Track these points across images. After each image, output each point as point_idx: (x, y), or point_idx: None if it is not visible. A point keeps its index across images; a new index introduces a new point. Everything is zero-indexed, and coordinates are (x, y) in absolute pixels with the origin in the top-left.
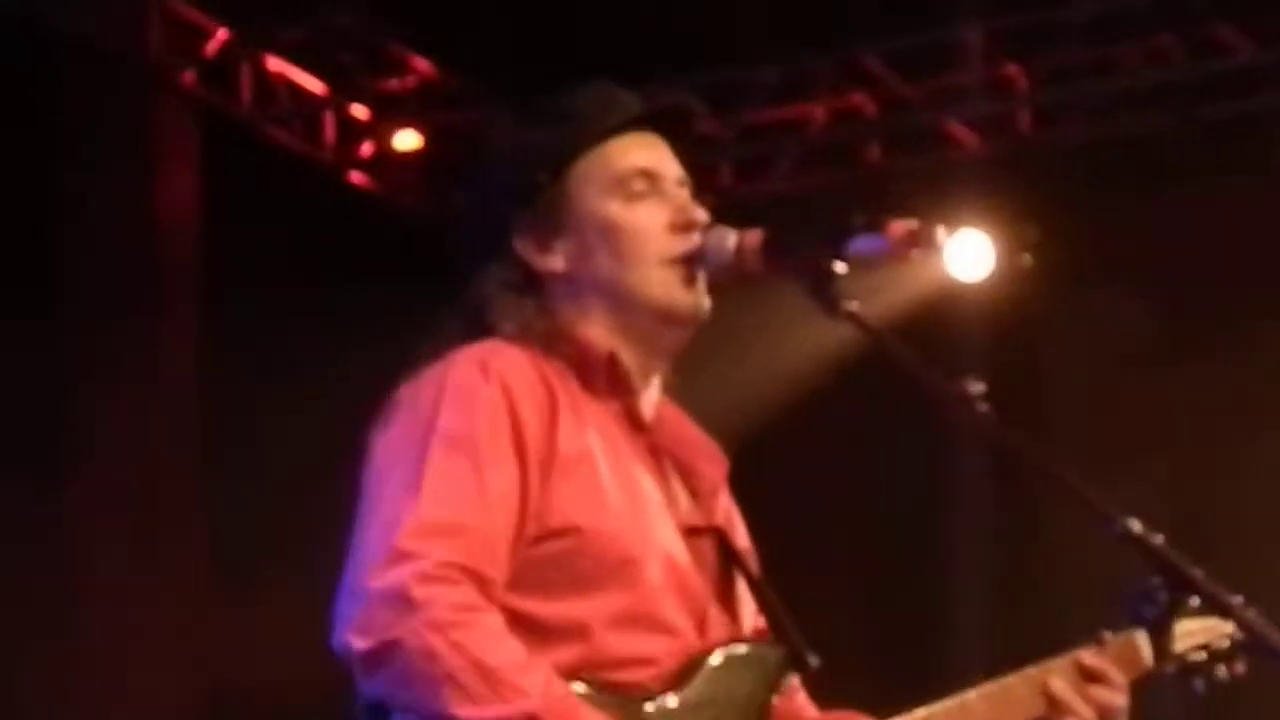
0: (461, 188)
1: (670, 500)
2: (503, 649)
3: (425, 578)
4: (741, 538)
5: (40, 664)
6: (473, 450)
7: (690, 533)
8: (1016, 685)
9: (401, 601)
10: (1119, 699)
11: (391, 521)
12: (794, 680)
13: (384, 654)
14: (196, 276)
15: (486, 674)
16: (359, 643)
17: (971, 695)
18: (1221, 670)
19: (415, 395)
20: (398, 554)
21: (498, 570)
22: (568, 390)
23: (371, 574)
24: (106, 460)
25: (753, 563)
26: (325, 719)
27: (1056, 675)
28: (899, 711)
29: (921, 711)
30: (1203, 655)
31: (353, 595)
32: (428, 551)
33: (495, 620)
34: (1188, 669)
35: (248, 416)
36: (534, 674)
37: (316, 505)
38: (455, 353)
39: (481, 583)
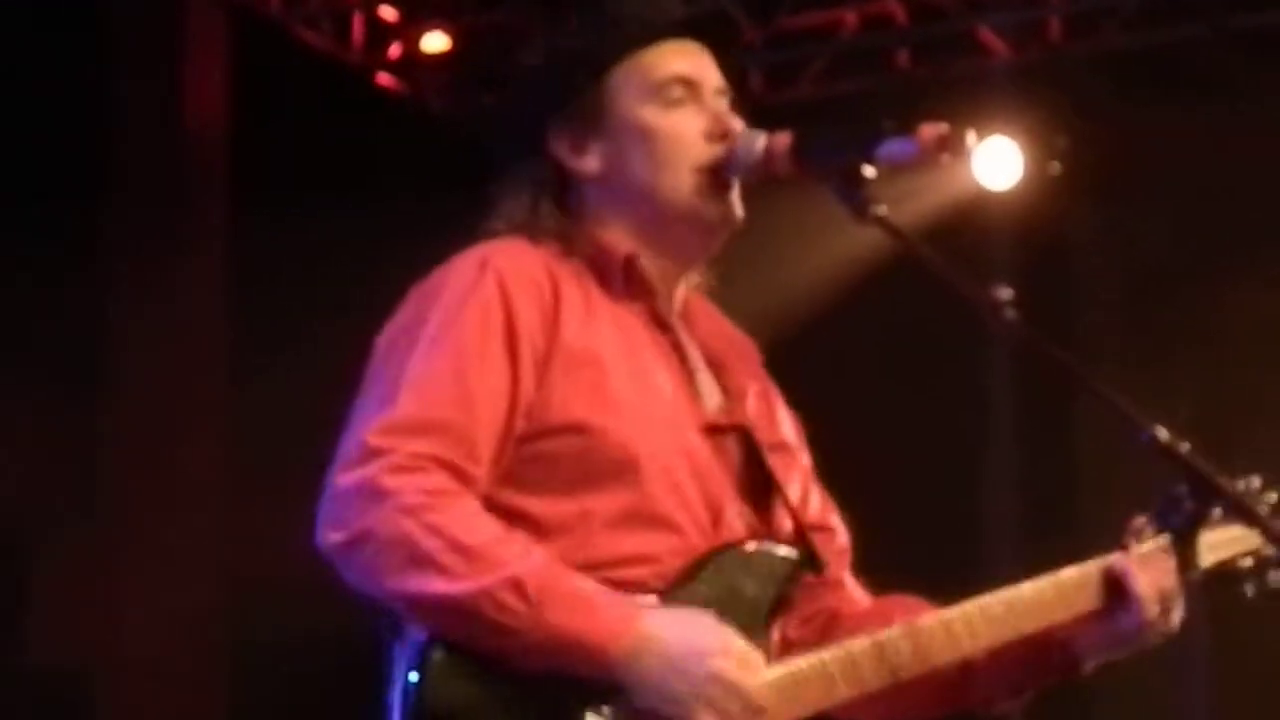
0: (496, 89)
1: (694, 398)
2: (478, 526)
3: (396, 468)
4: (781, 429)
5: (67, 570)
6: (458, 348)
7: (713, 430)
8: (1043, 589)
9: (371, 491)
10: (1171, 580)
11: (367, 420)
12: (840, 575)
13: (359, 543)
14: (225, 178)
15: (463, 550)
16: (334, 536)
17: (997, 598)
18: (1275, 575)
19: (415, 296)
20: (369, 450)
21: (477, 465)
22: (581, 289)
23: (345, 471)
24: (136, 367)
25: (791, 459)
26: (343, 625)
27: (1116, 558)
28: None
29: (949, 612)
30: (1249, 561)
31: (327, 493)
32: (399, 446)
33: (469, 502)
34: (1235, 574)
35: (275, 322)
36: (512, 544)
37: (340, 413)
38: (462, 251)
39: (457, 474)
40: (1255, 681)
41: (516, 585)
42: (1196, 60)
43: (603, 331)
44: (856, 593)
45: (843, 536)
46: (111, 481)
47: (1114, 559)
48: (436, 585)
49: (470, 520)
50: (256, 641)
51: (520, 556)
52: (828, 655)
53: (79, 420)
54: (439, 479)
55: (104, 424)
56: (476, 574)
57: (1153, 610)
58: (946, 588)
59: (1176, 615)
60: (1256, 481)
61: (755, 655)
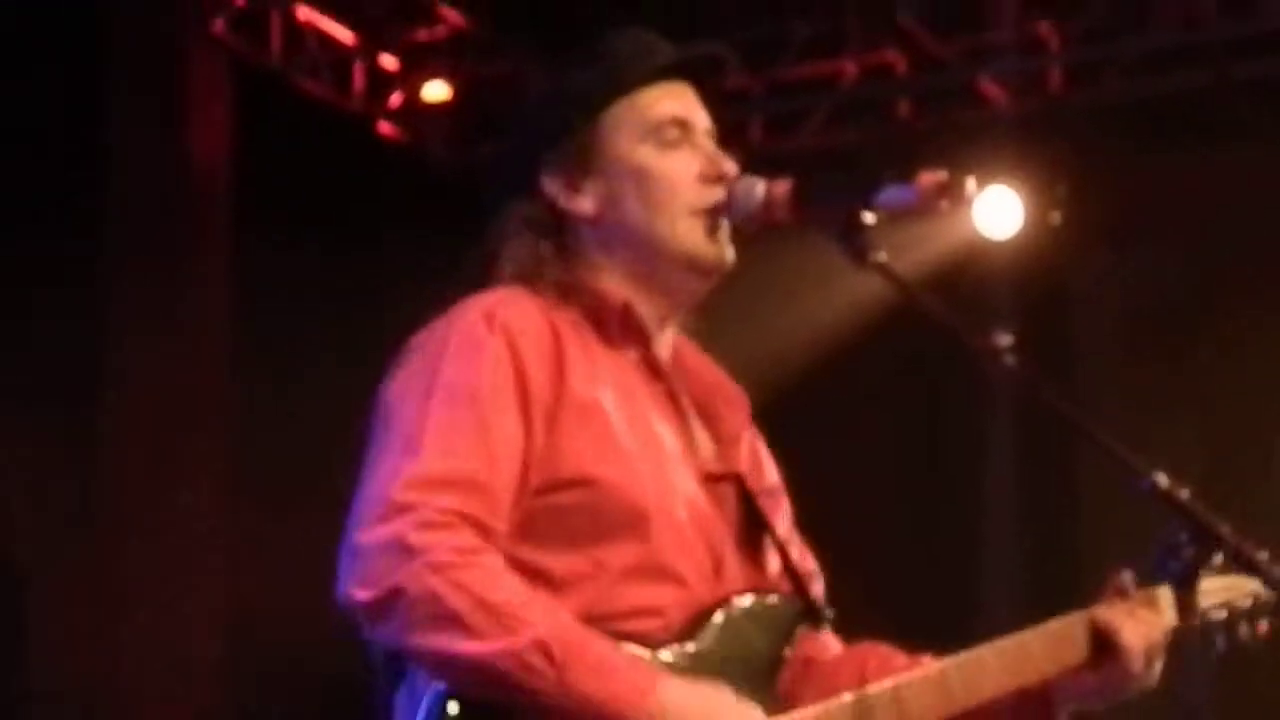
0: (493, 136)
1: (689, 447)
2: (505, 585)
3: (424, 525)
4: (769, 476)
5: (67, 588)
6: (474, 402)
7: (710, 479)
8: (1036, 640)
9: (400, 549)
10: (1157, 633)
11: (391, 475)
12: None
13: (387, 602)
14: (228, 225)
15: (490, 609)
16: (362, 594)
17: (990, 650)
18: (1244, 629)
19: (421, 346)
20: (396, 506)
21: (499, 520)
22: (580, 339)
23: (371, 527)
24: (137, 398)
25: (777, 505)
26: (343, 646)
27: (1103, 610)
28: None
29: (941, 665)
30: (1223, 613)
31: (352, 548)
32: (426, 502)
33: (496, 560)
34: (1209, 627)
35: (275, 363)
36: (537, 605)
37: (339, 452)
38: (463, 302)
39: (482, 530)
40: None
41: (542, 647)
42: (1197, 108)
43: (603, 382)
44: (829, 639)
45: (820, 584)
46: (111, 505)
47: (1100, 610)
48: (463, 645)
49: (497, 579)
50: (256, 665)
51: (545, 617)
52: (830, 707)
53: (79, 447)
54: (466, 537)
55: (104, 454)
56: (503, 634)
57: (1138, 664)
58: (944, 634)
59: (1158, 669)
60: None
61: None
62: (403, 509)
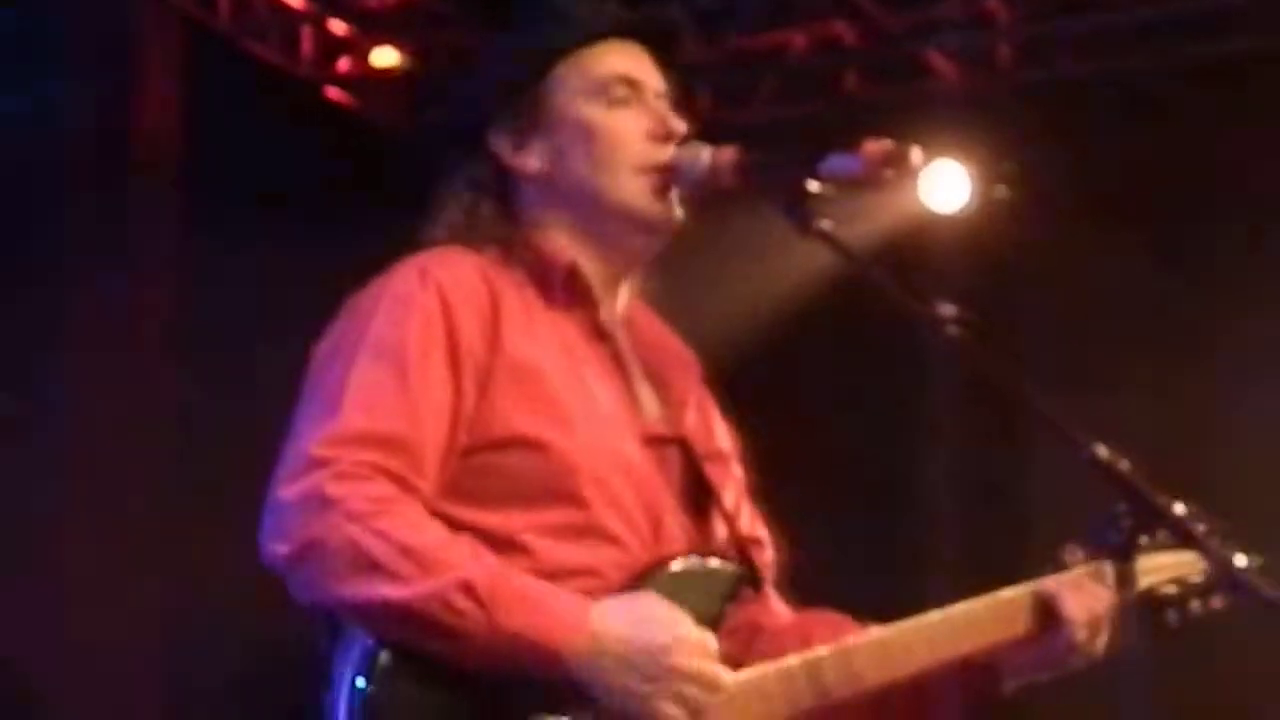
0: (442, 103)
1: (632, 408)
2: (425, 530)
3: (340, 476)
4: (717, 440)
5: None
6: (400, 360)
7: (653, 441)
8: (980, 610)
9: (318, 501)
10: (1101, 605)
11: (311, 432)
12: (766, 587)
13: (307, 553)
14: (176, 188)
15: (411, 553)
16: (282, 548)
17: (932, 619)
18: (1196, 604)
19: (354, 305)
20: (313, 461)
21: (421, 478)
22: (521, 298)
23: (289, 483)
24: (75, 388)
25: (726, 469)
26: (290, 639)
27: (1048, 582)
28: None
29: (883, 632)
30: (1173, 589)
31: (272, 504)
32: (343, 456)
33: (415, 507)
34: (1159, 601)
35: (224, 331)
36: (460, 546)
37: (285, 432)
38: (400, 261)
39: (402, 484)
40: (1197, 707)
41: (467, 587)
42: (1145, 88)
43: (542, 342)
44: (778, 606)
45: (770, 550)
46: (50, 504)
47: (1045, 582)
48: (386, 590)
49: (417, 525)
50: (195, 644)
51: (469, 559)
52: (768, 671)
53: (23, 430)
54: (384, 487)
55: (43, 438)
56: (426, 577)
57: (1082, 634)
58: (887, 603)
59: (1103, 640)
60: (1181, 507)
61: (708, 637)
62: (320, 463)
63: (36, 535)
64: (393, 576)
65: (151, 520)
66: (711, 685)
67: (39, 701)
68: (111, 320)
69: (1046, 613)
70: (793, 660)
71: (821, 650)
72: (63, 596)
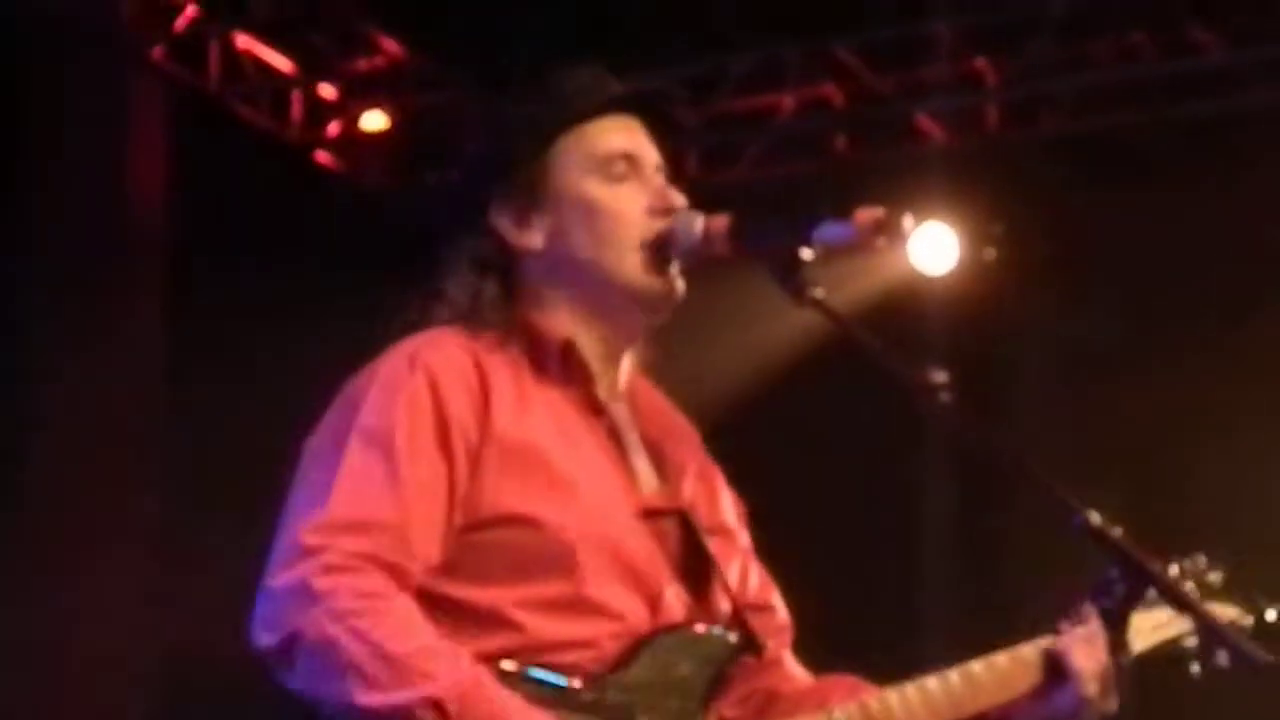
0: (434, 168)
1: (630, 482)
2: (409, 634)
3: (328, 568)
4: (723, 512)
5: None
6: (389, 445)
7: (651, 514)
8: (984, 671)
9: (303, 594)
10: (1103, 657)
11: (301, 520)
12: (778, 654)
13: (289, 647)
14: (165, 252)
15: (389, 660)
16: (266, 639)
17: (936, 681)
18: (1196, 666)
19: (345, 394)
20: (303, 550)
21: (413, 562)
22: (514, 377)
23: (278, 572)
24: (70, 433)
25: (730, 541)
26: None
27: (1056, 639)
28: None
29: (890, 693)
30: (1174, 649)
31: (262, 594)
32: (332, 545)
33: (403, 604)
34: (1177, 656)
35: (212, 392)
36: (441, 659)
37: (272, 474)
38: (392, 347)
39: (393, 572)
40: None
41: (436, 705)
42: (1133, 147)
43: (536, 419)
44: (796, 671)
45: (783, 615)
46: (45, 551)
47: (1055, 637)
48: (359, 695)
49: (400, 627)
50: (191, 708)
51: (447, 671)
52: None
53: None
54: (372, 580)
55: (34, 496)
56: (398, 687)
57: (1091, 688)
58: (881, 667)
59: (1115, 697)
60: (1202, 560)
61: None
62: (309, 552)
63: (31, 565)
64: (365, 681)
65: (146, 568)
66: None
67: None
68: (105, 381)
69: (1055, 668)
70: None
71: (836, 710)
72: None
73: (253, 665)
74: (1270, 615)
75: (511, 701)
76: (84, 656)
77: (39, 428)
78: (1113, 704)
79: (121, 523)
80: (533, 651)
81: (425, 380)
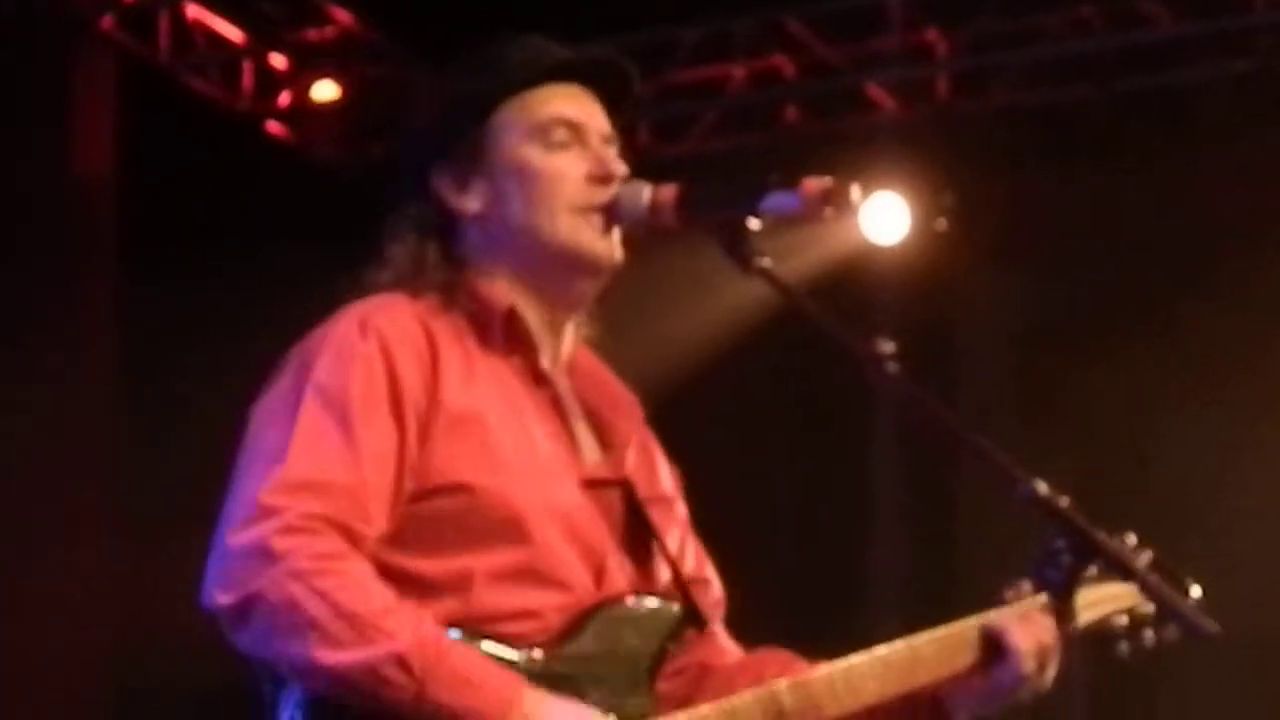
0: (380, 136)
1: (573, 452)
2: (368, 594)
3: (287, 529)
4: (661, 483)
5: None
6: (345, 409)
7: (594, 484)
8: (929, 645)
9: (262, 554)
10: (1049, 636)
11: (258, 480)
12: (714, 629)
13: (247, 607)
14: (113, 223)
15: (350, 619)
16: (223, 598)
17: (882, 653)
18: (1148, 636)
19: (295, 355)
20: (261, 510)
21: (367, 527)
22: (461, 345)
23: (235, 531)
24: (17, 411)
25: (669, 512)
26: (228, 674)
27: (994, 614)
28: (817, 659)
29: (833, 666)
30: (1125, 619)
31: (217, 553)
32: (291, 505)
33: (360, 566)
34: (1111, 633)
35: (163, 366)
36: (401, 615)
37: (228, 460)
38: (340, 311)
39: (348, 535)
40: None
41: (400, 661)
42: (1084, 120)
43: (481, 388)
44: (728, 645)
45: (717, 589)
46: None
47: (992, 615)
48: (320, 653)
49: (360, 587)
50: (141, 693)
51: (409, 629)
52: (709, 710)
53: None
54: (330, 542)
55: None
56: (361, 644)
57: (1030, 665)
58: (829, 642)
59: (1051, 672)
60: (1132, 538)
61: None
62: (267, 513)
63: None
64: (328, 639)
65: (97, 556)
66: None
67: None
68: (53, 359)
69: (993, 645)
70: (748, 695)
71: (780, 683)
72: (8, 627)
73: (203, 655)
74: (1195, 593)
75: (476, 658)
76: (33, 648)
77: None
78: (1048, 681)
79: (73, 511)
80: (478, 621)
81: (378, 346)
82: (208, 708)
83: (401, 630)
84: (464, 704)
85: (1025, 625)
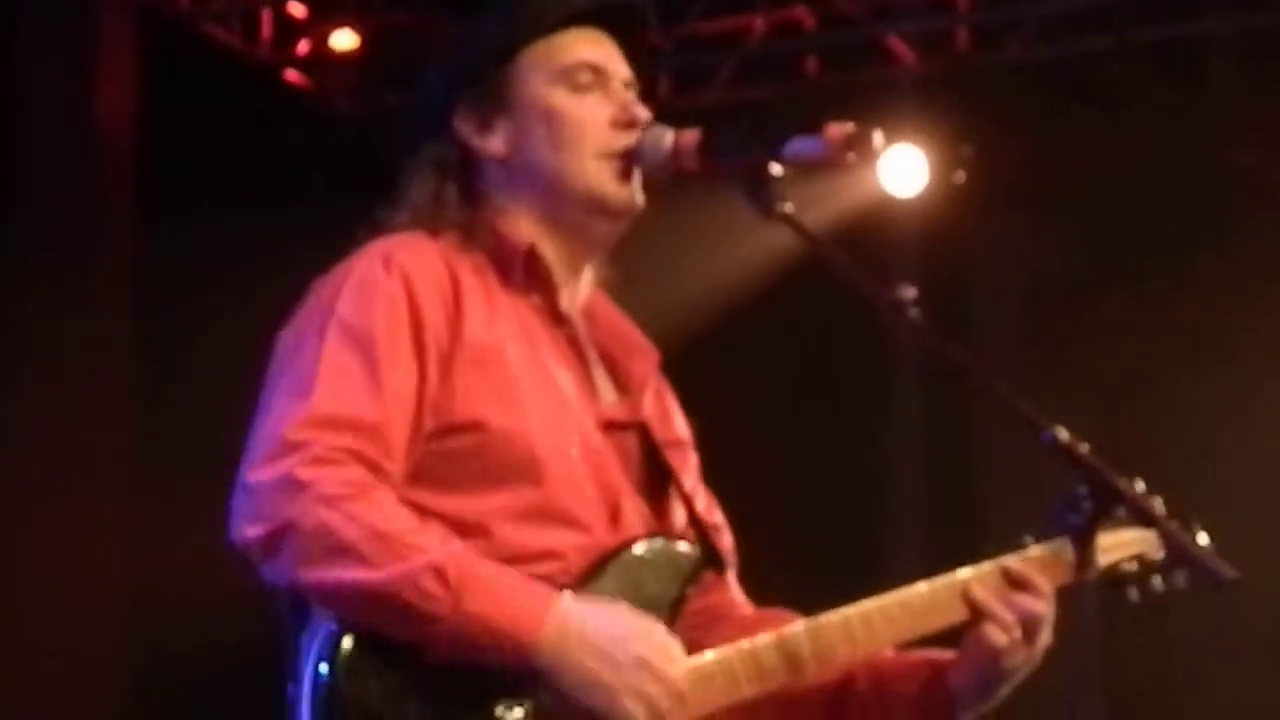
0: (399, 85)
1: (590, 394)
2: (398, 515)
3: (313, 460)
4: (675, 428)
5: None
6: (368, 344)
7: (611, 426)
8: (939, 590)
9: (290, 484)
10: (1041, 606)
11: (283, 415)
12: (726, 577)
13: (279, 536)
14: (133, 176)
15: (383, 537)
16: (253, 531)
17: (894, 598)
18: (1157, 581)
19: (318, 290)
20: (287, 444)
21: (391, 461)
22: (482, 283)
23: (262, 465)
24: (40, 364)
25: (685, 457)
26: (248, 627)
27: (978, 582)
28: (828, 608)
29: (848, 610)
30: (1135, 565)
31: (244, 486)
32: (317, 439)
33: (387, 493)
34: (1120, 578)
35: (182, 317)
36: (430, 533)
37: (246, 413)
38: (363, 247)
39: (373, 468)
40: (1147, 689)
41: (437, 571)
42: (1102, 72)
43: (502, 327)
44: (739, 597)
45: (728, 536)
46: (13, 483)
47: (977, 588)
48: (357, 573)
49: (389, 510)
50: (159, 643)
51: (440, 544)
52: (731, 652)
53: None
54: (356, 472)
55: (5, 429)
56: (397, 561)
57: (1001, 638)
58: (849, 584)
59: (1043, 641)
60: (1141, 484)
61: (675, 643)
62: (293, 447)
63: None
64: (364, 559)
65: (114, 503)
66: (674, 692)
67: (3, 679)
68: (71, 305)
69: (973, 608)
70: (766, 637)
71: (796, 625)
72: (26, 576)
73: (221, 602)
74: (1203, 540)
75: (507, 570)
76: (47, 593)
77: (8, 355)
78: (1038, 651)
79: (90, 461)
80: (504, 561)
81: (401, 283)
82: (227, 655)
83: (432, 545)
84: (501, 611)
85: (1004, 591)
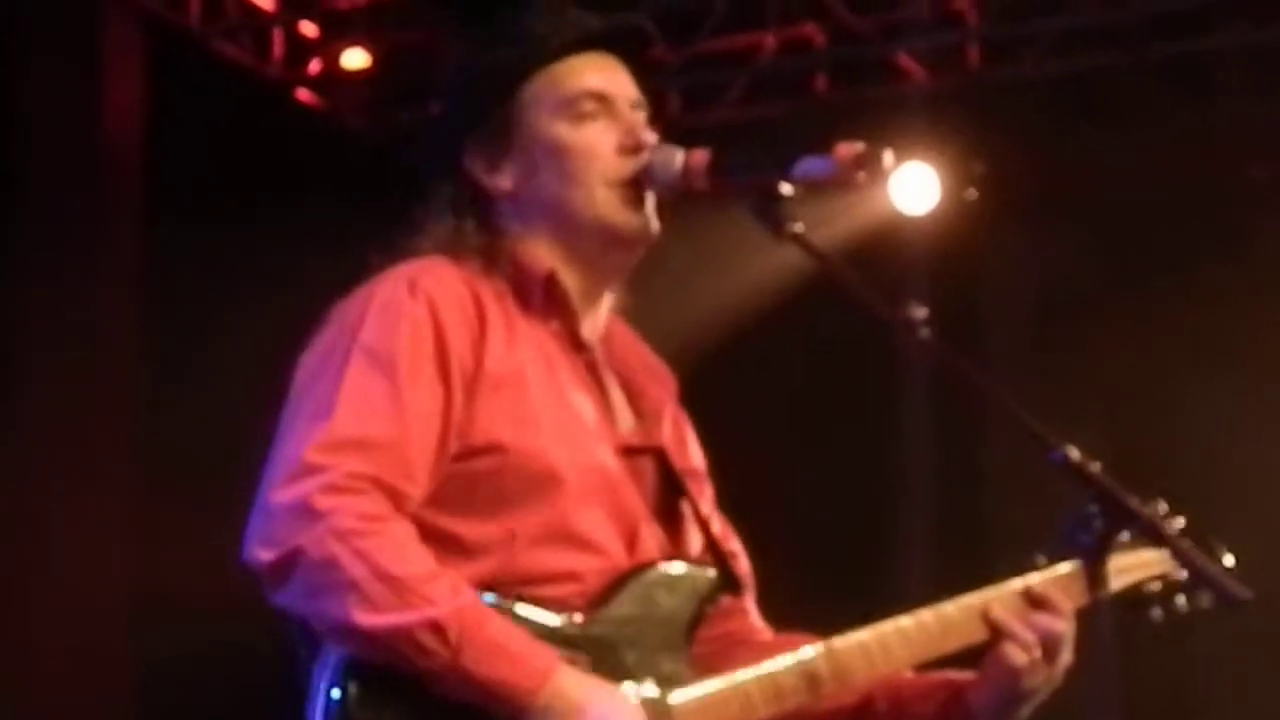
0: (412, 109)
1: (609, 419)
2: (409, 557)
3: (331, 488)
4: (691, 458)
5: None
6: (391, 367)
7: (628, 452)
8: (957, 612)
9: (305, 511)
10: (1061, 625)
11: (303, 437)
12: (744, 602)
13: (288, 564)
14: (141, 191)
15: (390, 581)
16: (264, 554)
17: (911, 621)
18: (1181, 600)
19: (342, 313)
20: (305, 467)
21: (412, 485)
22: (502, 309)
23: (279, 488)
24: (47, 376)
25: (701, 485)
26: (250, 630)
27: (998, 602)
28: (839, 632)
29: (863, 634)
30: (1158, 585)
31: (261, 509)
32: (336, 464)
33: (403, 529)
34: (1144, 598)
35: (189, 332)
36: (440, 582)
37: (253, 422)
38: (386, 270)
39: (393, 495)
40: (1167, 708)
41: (436, 628)
42: (1113, 88)
43: (523, 352)
44: (758, 622)
45: (745, 562)
46: (18, 485)
47: (997, 609)
48: (358, 615)
49: (401, 550)
50: (161, 645)
51: (447, 596)
52: (747, 675)
53: None
54: (374, 502)
55: (7, 441)
56: (399, 609)
57: (1021, 658)
58: (858, 610)
59: (1064, 660)
60: (1163, 505)
61: None
62: (312, 470)
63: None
64: (366, 601)
65: (117, 505)
66: None
67: (5, 679)
68: (77, 316)
69: (993, 628)
70: (784, 660)
71: (814, 649)
72: (28, 577)
73: (219, 607)
74: (1228, 560)
75: (513, 630)
76: (49, 594)
77: (10, 366)
78: (1059, 671)
79: (93, 463)
80: (519, 583)
81: (426, 307)
82: (229, 657)
83: (440, 597)
84: (497, 675)
85: (1023, 611)
